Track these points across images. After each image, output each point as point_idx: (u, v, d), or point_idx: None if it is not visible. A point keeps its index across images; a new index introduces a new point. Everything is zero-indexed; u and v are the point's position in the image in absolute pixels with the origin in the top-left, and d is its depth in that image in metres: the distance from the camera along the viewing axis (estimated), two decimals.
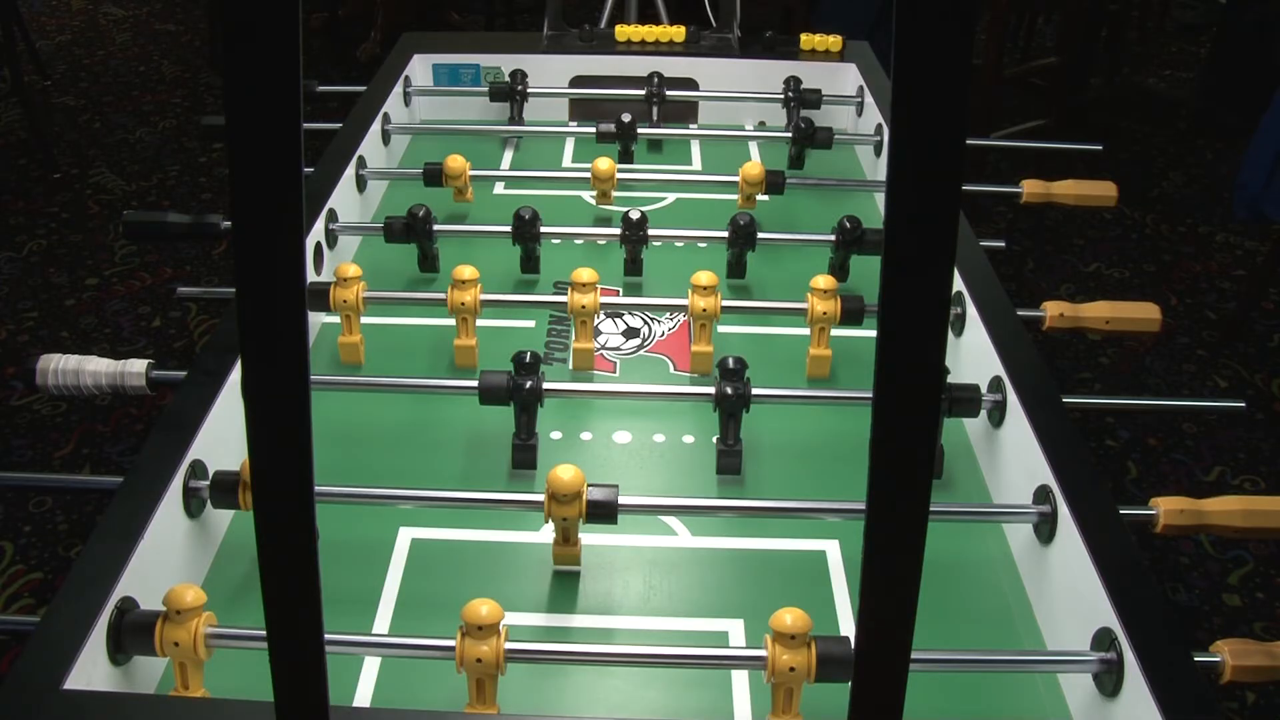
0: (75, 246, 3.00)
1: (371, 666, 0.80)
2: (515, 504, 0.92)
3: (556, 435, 1.06)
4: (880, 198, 1.47)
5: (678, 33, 1.75)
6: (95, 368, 1.00)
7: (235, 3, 0.38)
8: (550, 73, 1.69)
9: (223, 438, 0.93)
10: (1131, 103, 4.04)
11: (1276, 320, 2.80)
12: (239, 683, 0.74)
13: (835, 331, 1.13)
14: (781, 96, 1.63)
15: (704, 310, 1.10)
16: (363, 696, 0.79)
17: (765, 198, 1.41)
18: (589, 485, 0.85)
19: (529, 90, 1.63)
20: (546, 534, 0.91)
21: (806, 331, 1.14)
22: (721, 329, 1.18)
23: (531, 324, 1.23)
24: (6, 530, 2.05)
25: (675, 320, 1.24)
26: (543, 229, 1.27)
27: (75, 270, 2.89)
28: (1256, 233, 3.14)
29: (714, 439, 1.03)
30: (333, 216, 1.29)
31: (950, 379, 1.00)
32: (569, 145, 1.63)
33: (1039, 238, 3.11)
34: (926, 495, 0.45)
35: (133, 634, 0.74)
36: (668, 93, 1.64)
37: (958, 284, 1.13)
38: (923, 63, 0.37)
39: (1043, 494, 0.88)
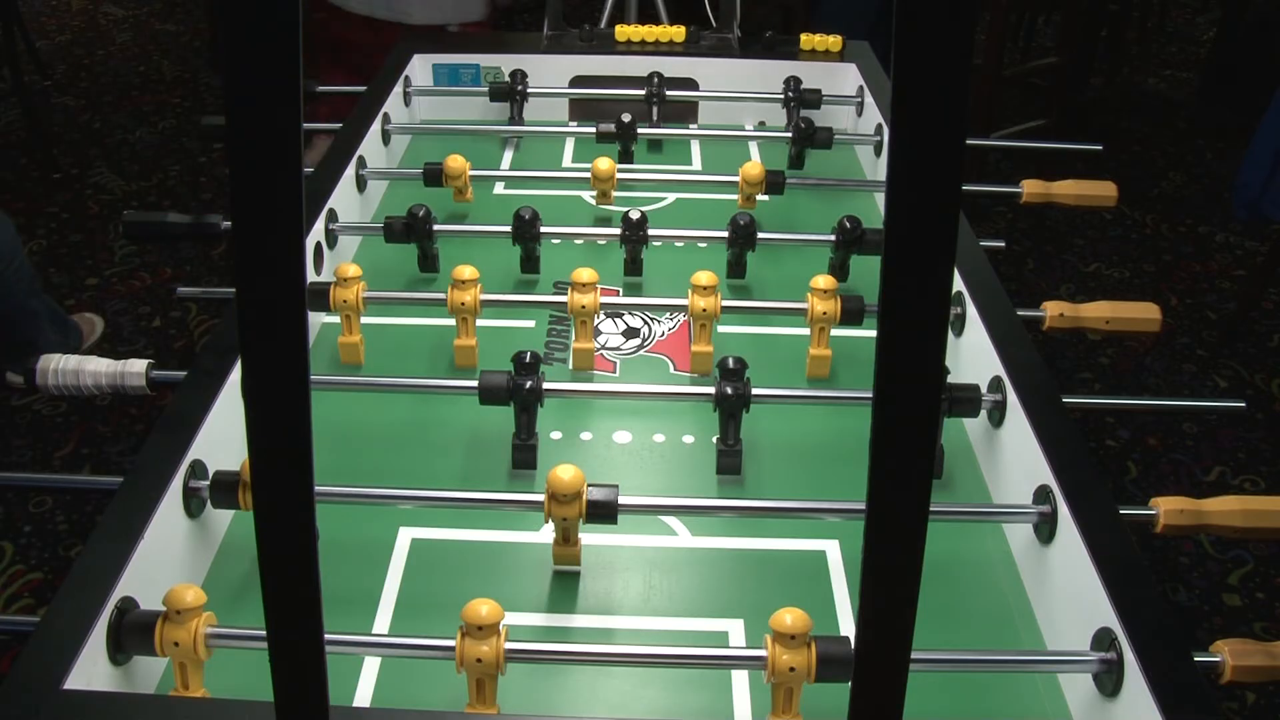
0: (75, 246, 3.00)
1: (371, 666, 0.80)
2: (515, 504, 0.92)
3: (556, 435, 1.06)
4: (880, 198, 1.47)
5: (678, 33, 1.75)
6: (95, 368, 1.00)
7: (235, 3, 0.38)
8: (550, 73, 1.69)
9: (223, 438, 0.93)
10: (1131, 103, 4.04)
11: (1276, 320, 2.80)
12: (239, 683, 0.74)
13: (835, 331, 1.13)
14: (781, 96, 1.63)
15: (704, 310, 1.10)
16: (363, 696, 0.79)
17: (765, 198, 1.41)
18: (589, 485, 0.85)
19: (529, 90, 1.63)
20: (546, 534, 0.91)
21: (806, 331, 1.14)
22: (721, 329, 1.18)
23: (531, 324, 1.22)
24: (6, 530, 2.05)
25: (675, 320, 1.24)
26: (543, 229, 1.27)
27: (75, 270, 2.89)
28: (1256, 233, 3.14)
29: (714, 439, 1.03)
30: (333, 216, 1.29)
31: (950, 379, 1.00)
32: (569, 145, 1.63)
33: (1039, 238, 3.11)
34: (926, 495, 0.45)
35: (133, 634, 0.74)
36: (668, 93, 1.64)
37: (958, 284, 1.13)
38: (923, 63, 0.37)
39: (1043, 494, 0.88)
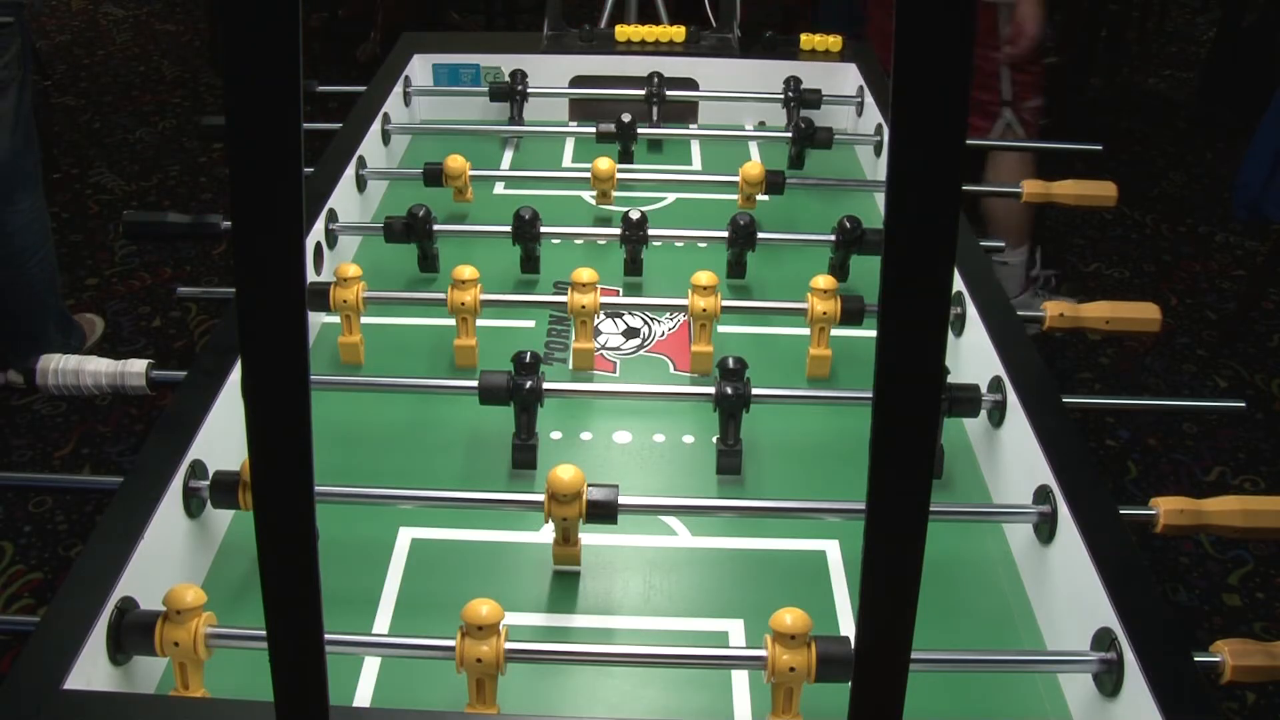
0: (75, 246, 3.00)
1: (371, 666, 0.80)
2: (515, 504, 0.92)
3: (556, 435, 1.06)
4: (880, 198, 1.47)
5: (678, 33, 1.75)
6: (95, 368, 1.00)
7: (235, 3, 0.38)
8: (550, 73, 1.69)
9: (223, 438, 0.93)
10: (1131, 103, 4.04)
11: (1276, 320, 2.80)
12: (239, 683, 0.74)
13: (835, 331, 1.13)
14: (781, 96, 1.63)
15: (704, 310, 1.10)
16: (363, 696, 0.79)
17: (765, 198, 1.41)
18: (589, 485, 0.85)
19: (529, 90, 1.63)
20: (546, 534, 0.91)
21: (806, 331, 1.14)
22: (721, 329, 1.18)
23: (531, 324, 1.22)
24: (6, 530, 2.05)
25: (675, 320, 1.24)
26: (543, 229, 1.27)
27: (75, 270, 2.89)
28: (1256, 233, 3.14)
29: (714, 439, 1.03)
30: (333, 216, 1.29)
31: (950, 379, 1.00)
32: (569, 145, 1.63)
33: (1039, 238, 3.10)
34: (926, 495, 0.45)
35: (133, 634, 0.74)
36: (668, 93, 1.64)
37: (958, 284, 1.13)
38: (923, 63, 0.37)
39: (1043, 494, 0.88)
